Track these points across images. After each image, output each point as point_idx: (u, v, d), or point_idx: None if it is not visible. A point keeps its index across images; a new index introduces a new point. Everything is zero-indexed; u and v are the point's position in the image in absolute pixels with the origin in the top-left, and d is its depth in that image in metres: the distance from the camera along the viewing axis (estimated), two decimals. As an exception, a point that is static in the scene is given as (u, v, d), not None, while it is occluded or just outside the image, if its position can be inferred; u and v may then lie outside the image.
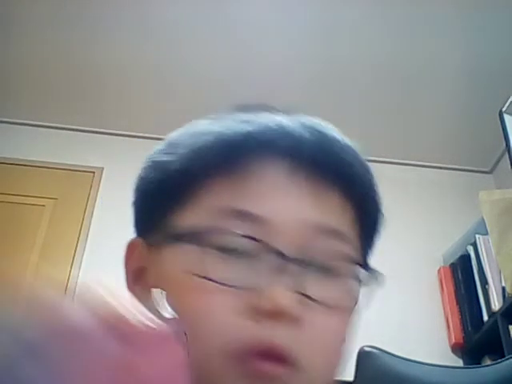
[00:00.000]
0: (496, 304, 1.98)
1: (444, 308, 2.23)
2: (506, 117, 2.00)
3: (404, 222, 2.45)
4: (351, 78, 2.32)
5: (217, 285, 0.39)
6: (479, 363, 1.98)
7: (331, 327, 0.42)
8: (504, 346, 1.86)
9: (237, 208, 0.41)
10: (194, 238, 0.41)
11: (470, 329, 2.10)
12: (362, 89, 2.36)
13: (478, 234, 2.15)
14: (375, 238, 0.50)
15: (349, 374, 1.15)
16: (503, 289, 1.96)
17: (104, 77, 2.37)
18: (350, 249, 0.44)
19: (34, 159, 2.45)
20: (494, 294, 2.00)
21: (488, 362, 1.93)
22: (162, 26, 2.19)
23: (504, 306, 1.93)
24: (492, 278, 2.03)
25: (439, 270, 2.33)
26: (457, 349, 2.14)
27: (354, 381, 1.10)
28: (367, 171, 0.47)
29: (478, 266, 2.13)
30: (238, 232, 0.40)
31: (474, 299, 2.11)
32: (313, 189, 0.43)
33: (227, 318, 0.39)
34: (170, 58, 2.28)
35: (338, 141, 0.45)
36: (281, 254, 0.40)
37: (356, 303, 0.43)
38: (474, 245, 2.17)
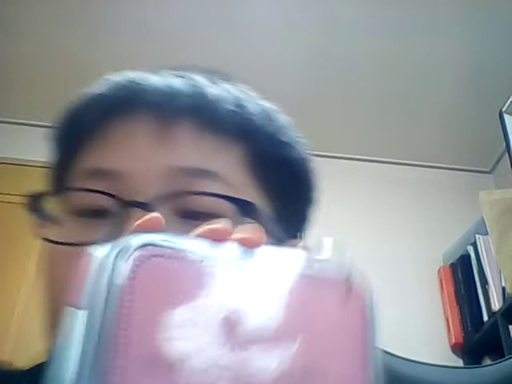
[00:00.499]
0: (496, 304, 1.98)
1: (444, 308, 2.23)
2: (506, 117, 2.00)
3: (404, 222, 2.45)
4: (351, 78, 2.32)
5: (71, 248, 0.37)
6: (479, 363, 1.98)
7: None
8: (504, 345, 1.86)
9: (95, 167, 0.41)
10: (60, 202, 0.41)
11: (469, 329, 2.09)
12: (361, 89, 2.36)
13: (478, 233, 2.15)
14: (298, 195, 0.46)
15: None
16: (503, 289, 1.96)
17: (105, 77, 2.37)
18: (224, 187, 0.40)
19: (34, 159, 2.44)
20: (494, 293, 2.00)
21: (488, 362, 1.93)
22: (164, 26, 2.19)
23: (504, 306, 1.93)
24: (492, 278, 2.03)
25: (439, 270, 2.33)
26: (457, 349, 2.14)
27: (354, 381, 1.10)
28: (254, 116, 0.44)
29: (478, 266, 2.13)
30: (95, 190, 0.39)
31: (474, 299, 2.11)
32: (170, 135, 0.41)
33: None
34: (171, 58, 2.27)
35: (211, 92, 0.43)
36: (138, 204, 0.38)
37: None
38: (474, 245, 2.17)
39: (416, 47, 2.20)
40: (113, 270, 0.21)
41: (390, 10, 2.08)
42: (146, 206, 0.37)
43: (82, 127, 0.44)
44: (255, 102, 0.46)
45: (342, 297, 0.24)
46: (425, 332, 2.17)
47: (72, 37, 2.24)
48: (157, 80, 0.43)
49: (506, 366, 0.49)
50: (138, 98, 0.42)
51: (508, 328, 1.90)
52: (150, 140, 0.41)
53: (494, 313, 1.97)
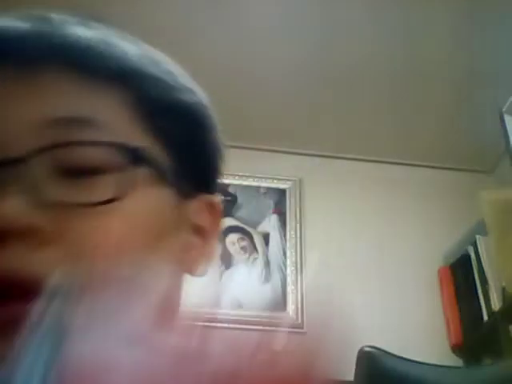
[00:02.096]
0: (496, 304, 1.98)
1: (444, 308, 2.23)
2: (506, 117, 2.00)
3: (404, 222, 2.45)
4: (351, 78, 2.32)
5: None
6: (479, 363, 1.99)
7: (97, 229, 0.33)
8: (504, 346, 1.86)
9: None
10: None
11: (469, 329, 2.09)
12: (361, 89, 2.36)
13: (477, 234, 2.15)
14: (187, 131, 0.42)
15: (349, 373, 1.15)
16: (503, 289, 1.96)
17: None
18: (108, 135, 0.35)
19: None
20: (494, 294, 2.00)
21: (488, 362, 1.93)
22: (164, 26, 2.19)
23: (504, 306, 1.93)
24: (492, 278, 2.03)
25: (439, 270, 2.33)
26: (457, 349, 2.14)
27: (354, 381, 1.11)
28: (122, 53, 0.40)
29: (478, 266, 2.13)
30: None
31: (474, 299, 2.11)
32: (36, 82, 0.36)
33: None
34: (172, 58, 2.28)
35: (77, 32, 0.40)
36: (8, 162, 0.33)
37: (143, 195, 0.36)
38: (474, 245, 2.17)
39: (416, 47, 2.20)
40: None
41: (390, 11, 2.08)
42: (17, 163, 0.33)
43: None
44: (135, 44, 0.43)
45: None
46: (425, 332, 2.17)
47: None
48: (6, 24, 0.38)
49: (505, 366, 0.49)
50: None
51: (508, 328, 1.90)
52: (12, 90, 0.36)
53: (494, 313, 1.97)
